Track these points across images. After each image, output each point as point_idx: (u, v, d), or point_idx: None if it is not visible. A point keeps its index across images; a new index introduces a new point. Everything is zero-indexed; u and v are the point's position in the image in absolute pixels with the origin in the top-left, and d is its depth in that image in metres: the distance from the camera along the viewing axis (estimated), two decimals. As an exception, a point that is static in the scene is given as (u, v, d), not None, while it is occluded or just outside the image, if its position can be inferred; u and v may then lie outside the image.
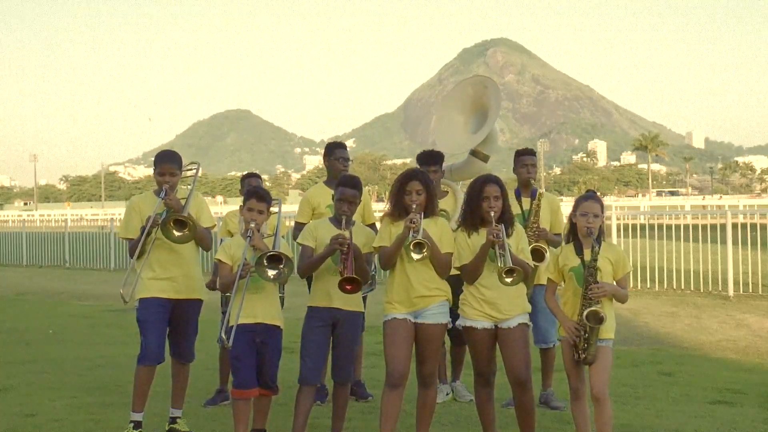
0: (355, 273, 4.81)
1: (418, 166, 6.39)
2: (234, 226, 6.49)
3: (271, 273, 4.66)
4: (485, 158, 6.94)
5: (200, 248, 5.44)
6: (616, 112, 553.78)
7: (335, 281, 4.89)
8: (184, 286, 5.28)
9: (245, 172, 7.12)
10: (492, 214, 4.69)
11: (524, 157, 6.34)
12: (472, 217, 4.82)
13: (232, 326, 4.83)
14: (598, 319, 4.56)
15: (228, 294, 4.93)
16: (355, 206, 5.08)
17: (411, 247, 4.56)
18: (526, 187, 6.29)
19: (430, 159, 6.30)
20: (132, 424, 5.16)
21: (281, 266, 4.66)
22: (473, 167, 6.87)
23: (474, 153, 6.93)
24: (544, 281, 6.03)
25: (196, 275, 5.41)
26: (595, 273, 4.64)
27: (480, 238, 4.75)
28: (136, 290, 5.29)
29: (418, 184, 4.79)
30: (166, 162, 5.29)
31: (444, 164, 6.45)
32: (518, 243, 4.82)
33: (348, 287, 4.71)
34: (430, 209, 4.81)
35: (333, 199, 5.20)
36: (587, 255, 4.70)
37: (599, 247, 4.70)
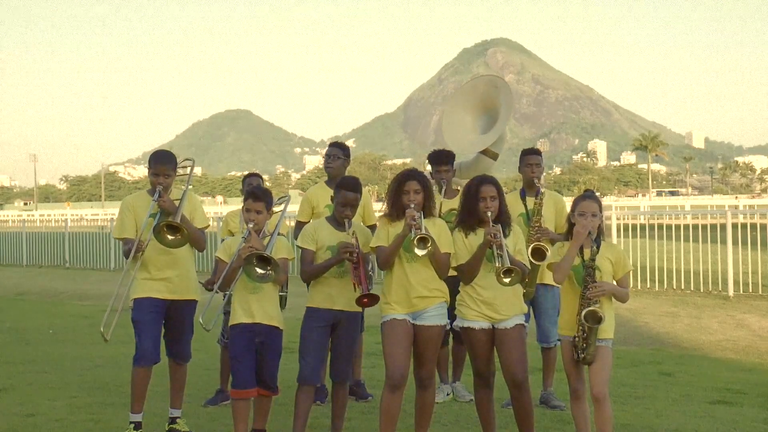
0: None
1: (429, 166, 6.41)
2: (235, 225, 6.50)
3: (259, 272, 4.67)
4: (494, 156, 6.94)
5: (195, 249, 5.45)
6: (616, 112, 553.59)
7: (336, 283, 4.92)
8: (179, 286, 5.28)
9: (246, 172, 7.13)
10: (489, 214, 4.69)
11: (529, 156, 6.33)
12: (469, 218, 4.82)
13: (230, 326, 4.89)
14: (596, 319, 4.56)
15: (227, 291, 4.96)
16: (356, 209, 5.09)
17: (415, 242, 4.55)
18: (530, 187, 6.27)
19: (442, 158, 6.31)
20: (132, 425, 5.17)
21: (268, 268, 4.67)
22: (482, 165, 6.88)
23: (483, 151, 6.93)
24: (547, 281, 6.03)
25: (191, 275, 5.41)
26: (593, 273, 4.64)
27: (477, 238, 4.75)
28: (131, 290, 5.30)
29: (416, 184, 4.79)
30: (161, 163, 5.28)
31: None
32: (515, 244, 4.82)
33: (365, 301, 4.76)
34: (427, 209, 4.81)
35: (331, 200, 5.21)
36: (586, 255, 4.69)
37: (598, 247, 4.70)
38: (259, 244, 4.84)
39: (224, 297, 5.42)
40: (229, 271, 4.80)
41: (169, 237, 5.03)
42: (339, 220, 5.02)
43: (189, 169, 5.62)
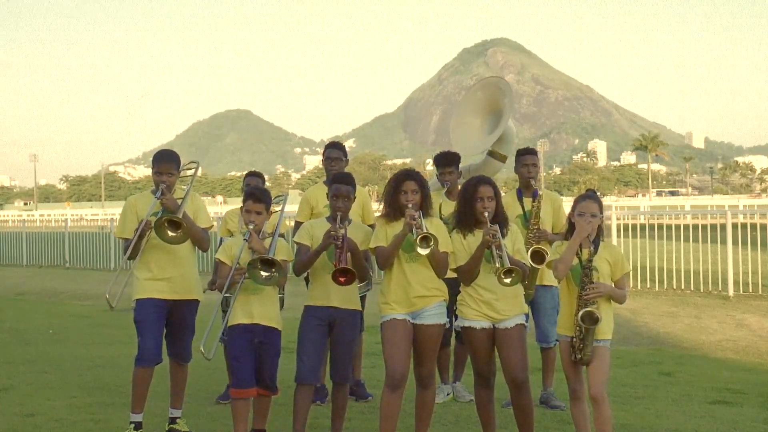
0: (354, 269, 4.81)
1: (435, 168, 6.40)
2: (234, 225, 6.49)
3: (264, 275, 4.66)
4: (503, 158, 6.97)
5: (197, 249, 5.44)
6: (616, 112, 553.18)
7: (331, 279, 4.89)
8: (181, 286, 5.28)
9: (247, 171, 7.09)
10: (486, 214, 4.69)
11: (525, 156, 6.33)
12: (466, 218, 4.82)
13: (229, 327, 4.90)
14: (593, 320, 4.55)
15: (227, 295, 4.95)
16: (350, 202, 5.07)
17: (418, 241, 4.54)
18: (527, 188, 6.27)
19: (447, 160, 6.31)
20: (132, 425, 5.16)
21: (273, 270, 4.67)
22: (491, 167, 6.91)
23: (491, 153, 6.94)
24: (546, 282, 6.04)
25: (193, 276, 5.41)
26: (590, 273, 4.64)
27: (475, 239, 4.75)
28: (132, 291, 5.30)
29: (413, 184, 4.79)
30: (164, 161, 5.28)
31: (461, 165, 6.45)
32: (514, 243, 4.82)
33: (341, 279, 4.70)
34: (425, 209, 4.81)
35: (327, 197, 5.20)
36: (584, 255, 4.69)
37: (596, 248, 4.69)
38: (261, 246, 4.84)
39: (223, 299, 5.40)
40: (233, 277, 4.79)
41: (170, 233, 5.02)
42: (333, 214, 5.02)
43: (193, 171, 5.61)
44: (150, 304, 5.20)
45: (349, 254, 4.83)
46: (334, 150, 6.43)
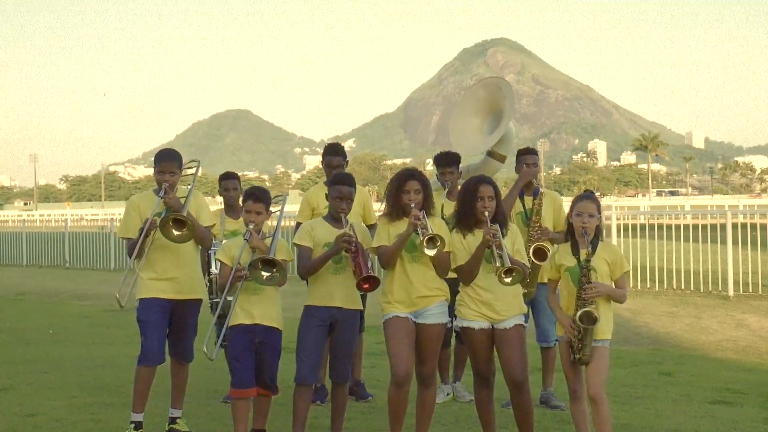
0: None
1: (435, 168, 6.41)
2: (216, 227, 6.47)
3: (265, 275, 4.67)
4: (502, 159, 6.97)
5: (201, 247, 5.45)
6: (616, 112, 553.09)
7: (334, 280, 4.91)
8: (185, 286, 5.28)
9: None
10: (486, 214, 4.69)
11: (525, 156, 6.35)
12: (466, 218, 4.82)
13: (230, 327, 4.90)
14: (591, 320, 4.56)
15: (217, 300, 4.95)
16: (352, 203, 5.08)
17: (425, 242, 4.56)
18: (528, 187, 6.30)
19: (447, 160, 6.31)
20: (133, 425, 5.16)
21: (274, 270, 4.67)
22: (490, 167, 6.91)
23: (490, 153, 6.95)
24: (547, 280, 6.05)
25: (196, 275, 5.42)
26: (588, 273, 4.64)
27: (475, 238, 4.75)
28: (136, 291, 5.29)
29: (416, 184, 4.79)
30: (166, 160, 5.28)
31: (461, 165, 6.46)
32: (514, 243, 4.83)
33: (366, 286, 4.74)
34: (427, 209, 4.81)
35: (326, 197, 5.20)
36: (582, 255, 4.69)
37: (593, 248, 4.70)
38: (263, 244, 4.84)
39: (214, 305, 5.40)
40: (233, 278, 4.79)
41: (175, 232, 5.02)
42: (335, 215, 5.01)
43: (194, 169, 5.62)
44: (154, 303, 5.19)
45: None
46: (334, 157, 6.38)
